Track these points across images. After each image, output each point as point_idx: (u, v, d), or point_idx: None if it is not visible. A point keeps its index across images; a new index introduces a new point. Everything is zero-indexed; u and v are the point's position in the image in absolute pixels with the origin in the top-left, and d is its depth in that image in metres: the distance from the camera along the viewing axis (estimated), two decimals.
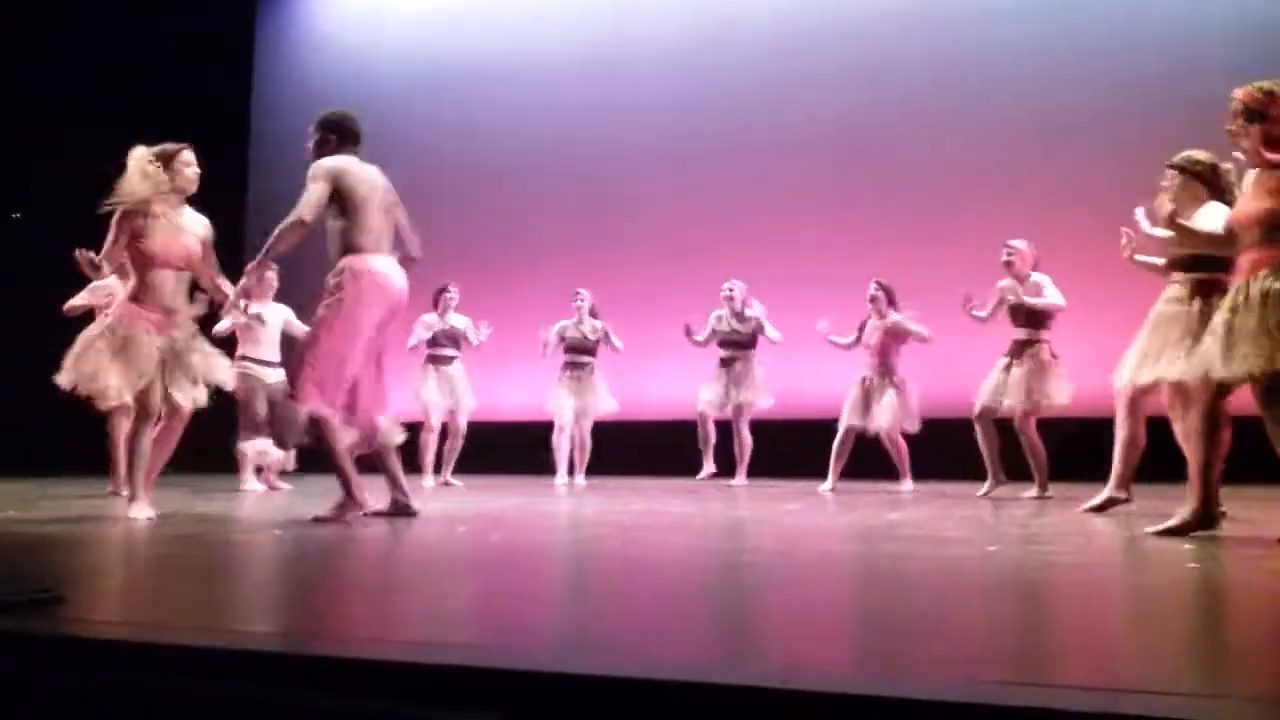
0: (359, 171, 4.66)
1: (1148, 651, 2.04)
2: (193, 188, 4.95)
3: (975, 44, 9.10)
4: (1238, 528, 4.22)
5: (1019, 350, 6.44)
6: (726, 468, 8.14)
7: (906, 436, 7.32)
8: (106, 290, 6.18)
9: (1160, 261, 4.97)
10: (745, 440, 8.05)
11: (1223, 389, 3.86)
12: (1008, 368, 6.45)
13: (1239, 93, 3.87)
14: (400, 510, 4.81)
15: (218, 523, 4.66)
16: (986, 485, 6.58)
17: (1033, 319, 6.44)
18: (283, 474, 7.43)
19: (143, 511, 4.67)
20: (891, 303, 7.37)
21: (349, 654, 1.86)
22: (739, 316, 8.10)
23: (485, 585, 2.99)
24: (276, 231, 4.53)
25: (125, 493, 5.22)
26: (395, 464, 4.83)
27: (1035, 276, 6.48)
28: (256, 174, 11.41)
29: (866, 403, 7.27)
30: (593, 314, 8.27)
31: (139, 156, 4.81)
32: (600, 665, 1.74)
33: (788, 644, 2.06)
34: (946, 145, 8.94)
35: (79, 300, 6.60)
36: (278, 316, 7.22)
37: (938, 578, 2.97)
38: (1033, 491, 6.34)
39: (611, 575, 3.21)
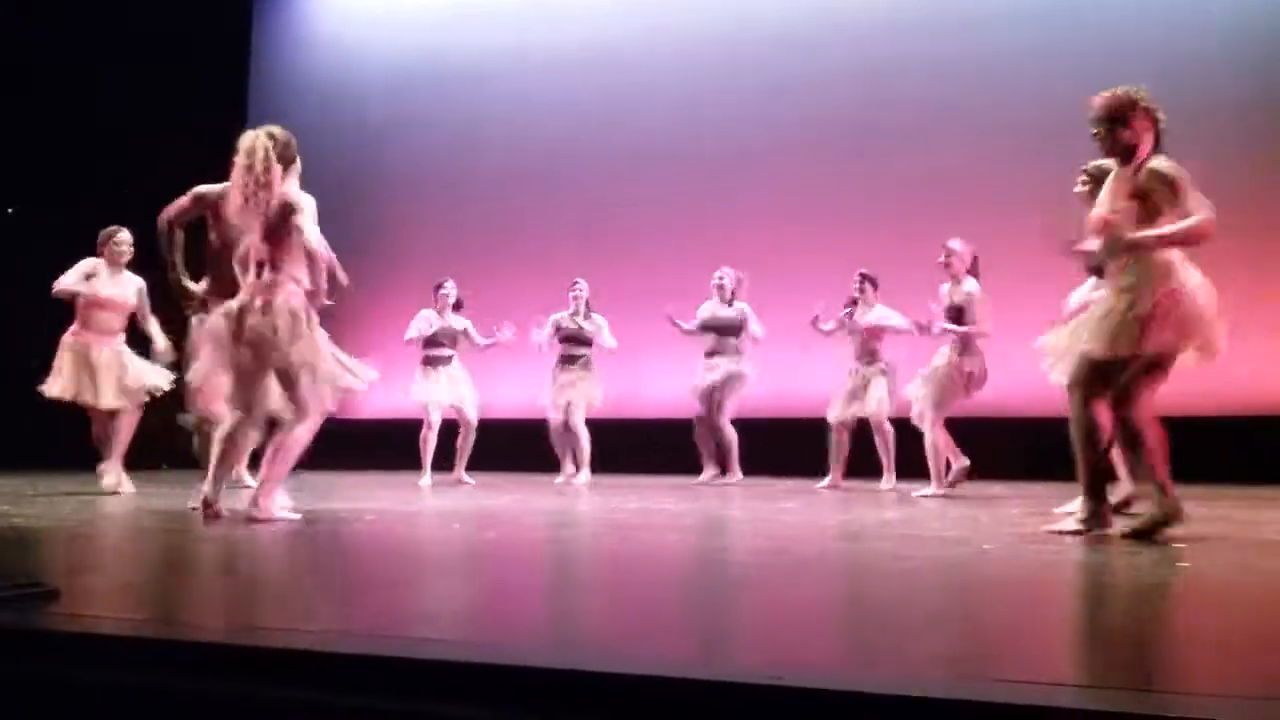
0: None
1: (1141, 649, 2.04)
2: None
3: (974, 48, 9.08)
4: (1231, 527, 4.24)
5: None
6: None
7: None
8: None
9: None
10: (727, 437, 7.98)
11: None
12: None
13: (1099, 98, 3.97)
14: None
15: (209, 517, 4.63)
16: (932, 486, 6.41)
17: (956, 319, 6.45)
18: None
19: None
20: (875, 289, 7.41)
21: (342, 649, 1.86)
22: (728, 304, 8.10)
23: (478, 582, 2.99)
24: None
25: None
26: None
27: (968, 285, 6.44)
28: None
29: (854, 393, 7.29)
30: (588, 307, 8.26)
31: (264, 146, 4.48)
32: (592, 661, 1.74)
33: (779, 640, 2.06)
34: (945, 148, 8.93)
35: (72, 286, 6.30)
36: None
37: (933, 576, 2.98)
38: (929, 489, 6.35)
39: (604, 572, 3.21)
